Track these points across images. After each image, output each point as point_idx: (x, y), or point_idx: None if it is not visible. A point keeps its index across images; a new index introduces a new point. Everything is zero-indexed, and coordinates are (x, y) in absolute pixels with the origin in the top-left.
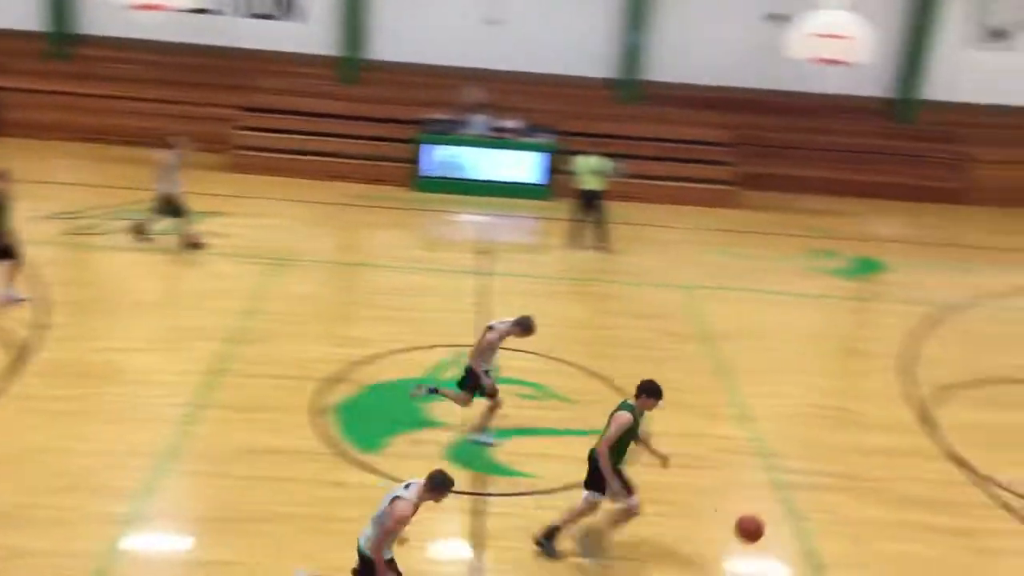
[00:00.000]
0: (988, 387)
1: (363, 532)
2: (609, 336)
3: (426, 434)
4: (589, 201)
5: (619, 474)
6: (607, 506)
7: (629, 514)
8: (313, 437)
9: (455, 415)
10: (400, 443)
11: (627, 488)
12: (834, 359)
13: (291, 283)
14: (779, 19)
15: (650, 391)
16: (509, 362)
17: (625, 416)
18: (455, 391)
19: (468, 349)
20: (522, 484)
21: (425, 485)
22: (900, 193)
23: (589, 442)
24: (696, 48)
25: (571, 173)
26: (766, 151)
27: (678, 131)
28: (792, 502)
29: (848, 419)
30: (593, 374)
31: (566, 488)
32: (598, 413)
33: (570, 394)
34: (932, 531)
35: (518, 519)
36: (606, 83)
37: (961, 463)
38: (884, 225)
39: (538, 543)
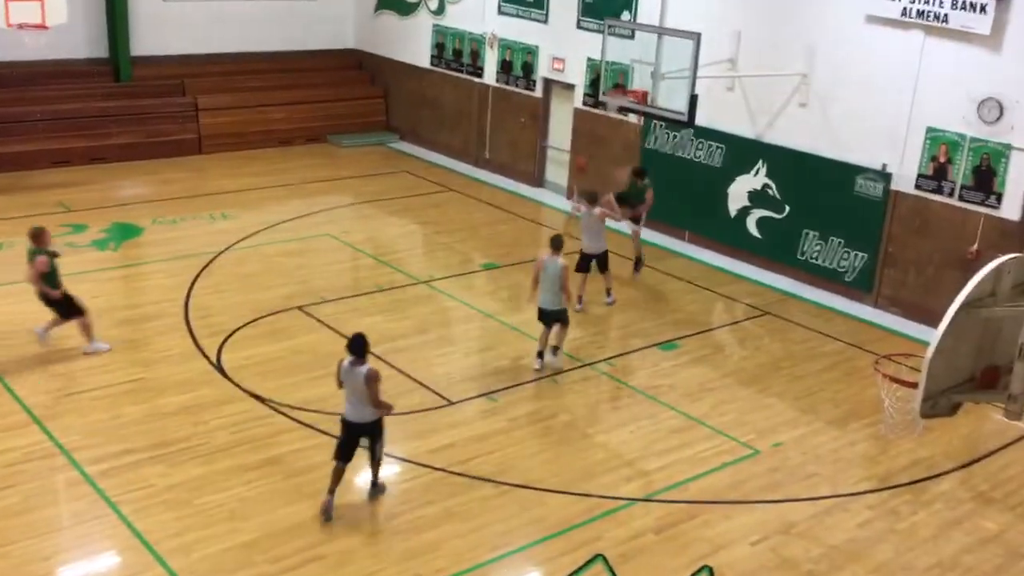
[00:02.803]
0: (264, 322)
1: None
2: None
3: None
4: None
5: None
6: None
7: None
8: None
9: None
10: None
11: None
12: (117, 332)
13: None
14: None
15: None
16: None
17: None
18: None
19: None
20: None
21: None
22: (135, 153)
23: None
24: None
25: None
26: None
27: None
28: (107, 490)
29: (142, 388)
30: None
31: None
32: None
33: None
34: (249, 470)
35: None
36: None
37: (257, 398)
38: (128, 187)
39: None
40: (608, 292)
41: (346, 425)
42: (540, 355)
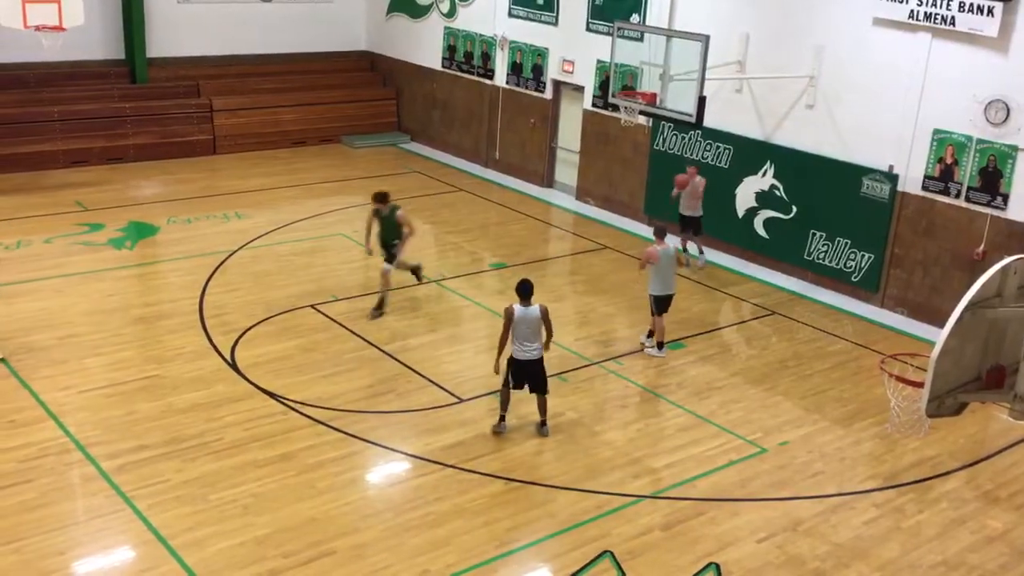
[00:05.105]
0: (276, 320)
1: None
2: None
3: None
4: None
5: None
6: None
7: None
8: None
9: None
10: None
11: None
12: (132, 329)
13: None
14: None
15: None
16: None
17: None
18: None
19: None
20: None
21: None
22: (151, 153)
23: None
24: None
25: None
26: None
27: None
28: (122, 486)
29: (157, 385)
30: None
31: None
32: None
33: None
34: (262, 466)
35: None
36: None
37: (270, 395)
38: (144, 187)
39: None
40: (700, 251)
41: (519, 363)
42: (651, 335)
